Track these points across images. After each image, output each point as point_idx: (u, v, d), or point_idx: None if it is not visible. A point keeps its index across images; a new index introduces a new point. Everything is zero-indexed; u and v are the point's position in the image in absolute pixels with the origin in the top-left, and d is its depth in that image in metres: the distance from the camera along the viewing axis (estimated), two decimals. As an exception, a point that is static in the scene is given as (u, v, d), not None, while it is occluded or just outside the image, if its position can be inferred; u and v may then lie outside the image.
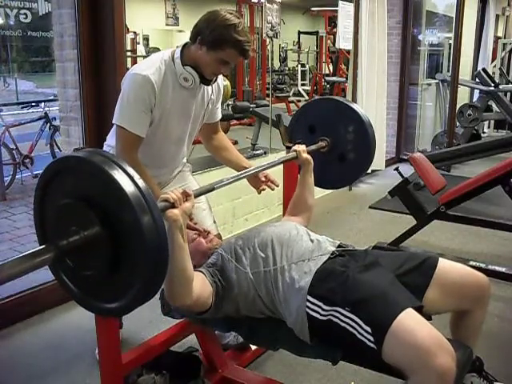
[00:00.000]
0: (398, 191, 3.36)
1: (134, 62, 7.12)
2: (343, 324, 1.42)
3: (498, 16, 9.74)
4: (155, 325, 2.37)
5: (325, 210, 4.40)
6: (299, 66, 11.15)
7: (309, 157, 2.00)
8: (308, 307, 1.49)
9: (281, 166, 2.26)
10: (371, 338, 1.37)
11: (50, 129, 5.51)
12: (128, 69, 2.06)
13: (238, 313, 1.64)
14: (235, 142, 5.64)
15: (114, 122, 1.86)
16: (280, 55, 12.87)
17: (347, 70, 6.35)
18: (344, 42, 4.84)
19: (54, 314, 2.67)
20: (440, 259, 1.62)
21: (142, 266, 1.13)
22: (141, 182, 1.12)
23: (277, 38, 4.23)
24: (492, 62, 8.96)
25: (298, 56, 11.97)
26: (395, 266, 1.61)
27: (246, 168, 1.98)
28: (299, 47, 12.33)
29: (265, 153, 4.42)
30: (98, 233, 1.14)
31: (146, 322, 2.50)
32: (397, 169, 3.34)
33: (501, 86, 6.86)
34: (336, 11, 4.84)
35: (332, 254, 1.62)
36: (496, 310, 2.62)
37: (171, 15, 10.82)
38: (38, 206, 1.28)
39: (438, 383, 1.27)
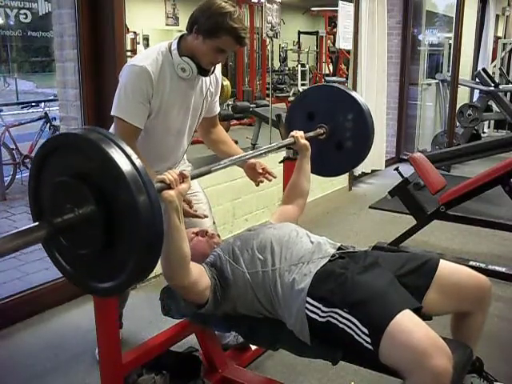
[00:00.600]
0: (398, 191, 3.36)
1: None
2: (341, 325, 1.42)
3: (498, 16, 9.76)
4: (155, 325, 2.36)
5: (325, 210, 4.37)
6: (299, 65, 11.13)
7: (307, 143, 2.01)
8: (307, 309, 1.48)
9: (281, 166, 2.28)
10: (368, 339, 1.37)
11: (50, 129, 5.49)
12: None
13: (235, 311, 1.64)
14: (235, 142, 5.62)
15: (112, 113, 1.85)
16: (280, 55, 12.89)
17: (347, 69, 6.36)
18: (344, 42, 4.83)
19: (54, 314, 2.66)
20: (441, 261, 1.62)
21: (136, 245, 1.12)
22: (138, 162, 1.11)
23: (277, 37, 4.23)
24: (492, 62, 8.97)
25: (298, 56, 11.96)
26: (396, 266, 1.60)
27: None
28: (299, 47, 12.33)
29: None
30: (93, 211, 1.12)
31: (146, 322, 2.49)
32: (397, 169, 3.34)
33: (501, 86, 6.86)
34: (336, 11, 4.83)
35: (332, 257, 1.61)
36: (496, 310, 2.62)
37: (171, 15, 10.85)
38: (34, 182, 1.25)
39: None
